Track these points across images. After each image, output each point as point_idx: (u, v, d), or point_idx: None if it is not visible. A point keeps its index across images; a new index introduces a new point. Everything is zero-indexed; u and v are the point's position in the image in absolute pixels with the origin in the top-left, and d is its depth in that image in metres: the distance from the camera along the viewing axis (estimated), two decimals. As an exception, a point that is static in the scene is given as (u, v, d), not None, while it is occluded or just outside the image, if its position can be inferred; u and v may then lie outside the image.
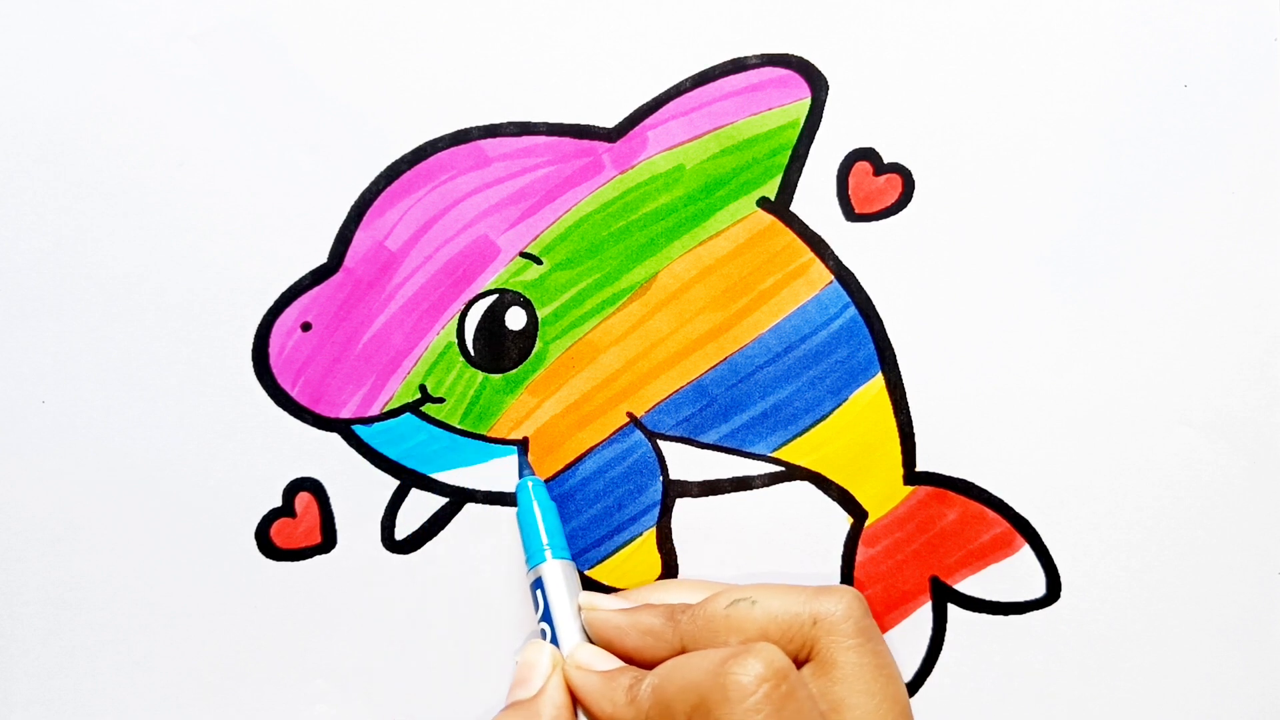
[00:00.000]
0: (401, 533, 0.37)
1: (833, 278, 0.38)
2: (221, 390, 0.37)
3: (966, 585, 0.38)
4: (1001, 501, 0.38)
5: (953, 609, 0.38)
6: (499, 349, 0.37)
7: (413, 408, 0.37)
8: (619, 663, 0.33)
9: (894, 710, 0.31)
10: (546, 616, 0.35)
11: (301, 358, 0.37)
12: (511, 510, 0.37)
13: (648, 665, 0.32)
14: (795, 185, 0.37)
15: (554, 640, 0.34)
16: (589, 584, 0.38)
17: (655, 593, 0.36)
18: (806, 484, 0.38)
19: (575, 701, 0.33)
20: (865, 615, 0.32)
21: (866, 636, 0.32)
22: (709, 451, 0.38)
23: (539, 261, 0.37)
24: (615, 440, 0.38)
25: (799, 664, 0.32)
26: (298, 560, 0.37)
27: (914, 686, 0.38)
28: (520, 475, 0.37)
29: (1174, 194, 0.37)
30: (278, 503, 0.37)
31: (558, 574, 0.35)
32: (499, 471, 0.38)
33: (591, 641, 0.34)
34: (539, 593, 0.35)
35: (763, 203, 0.37)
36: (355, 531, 0.37)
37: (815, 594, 0.32)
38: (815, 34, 0.37)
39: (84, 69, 0.36)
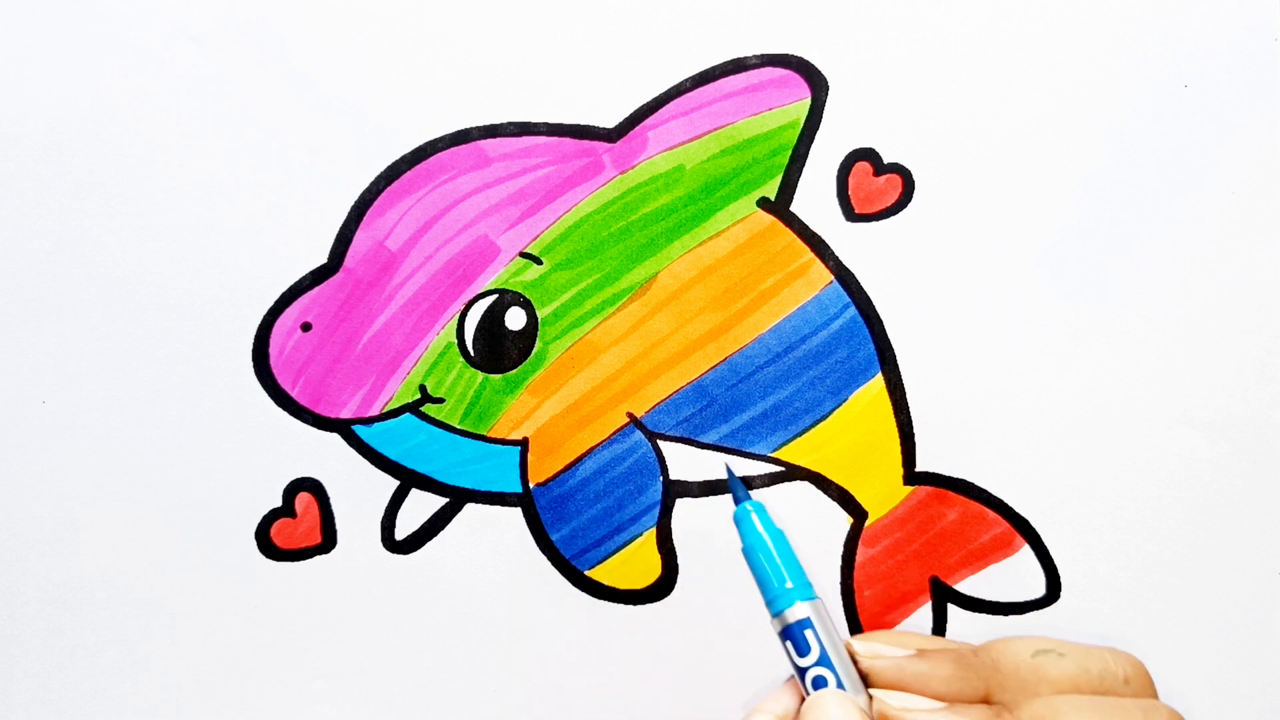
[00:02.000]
0: (401, 533, 0.37)
1: (833, 278, 0.38)
2: (221, 390, 0.37)
3: (966, 585, 0.38)
4: (1001, 501, 0.38)
5: (953, 609, 0.38)
6: (499, 349, 0.37)
7: (413, 408, 0.37)
8: (935, 704, 0.30)
9: None
10: (824, 661, 0.30)
11: (301, 358, 0.37)
12: (512, 510, 0.37)
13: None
14: (795, 185, 0.37)
15: (817, 687, 0.30)
16: (590, 584, 0.38)
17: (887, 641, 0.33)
18: (806, 484, 0.38)
19: None
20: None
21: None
22: (709, 451, 0.38)
23: (539, 261, 0.37)
24: (615, 440, 0.38)
25: None
26: (298, 560, 0.37)
27: (914, 686, 0.38)
28: (736, 501, 0.32)
29: (1174, 194, 0.37)
30: (278, 503, 0.37)
31: (823, 614, 0.31)
32: (499, 471, 0.38)
33: (868, 687, 0.31)
34: (808, 634, 0.30)
35: (763, 203, 0.37)
36: (355, 531, 0.37)
37: (1114, 651, 0.31)
38: (815, 34, 0.37)
39: (84, 69, 0.36)
